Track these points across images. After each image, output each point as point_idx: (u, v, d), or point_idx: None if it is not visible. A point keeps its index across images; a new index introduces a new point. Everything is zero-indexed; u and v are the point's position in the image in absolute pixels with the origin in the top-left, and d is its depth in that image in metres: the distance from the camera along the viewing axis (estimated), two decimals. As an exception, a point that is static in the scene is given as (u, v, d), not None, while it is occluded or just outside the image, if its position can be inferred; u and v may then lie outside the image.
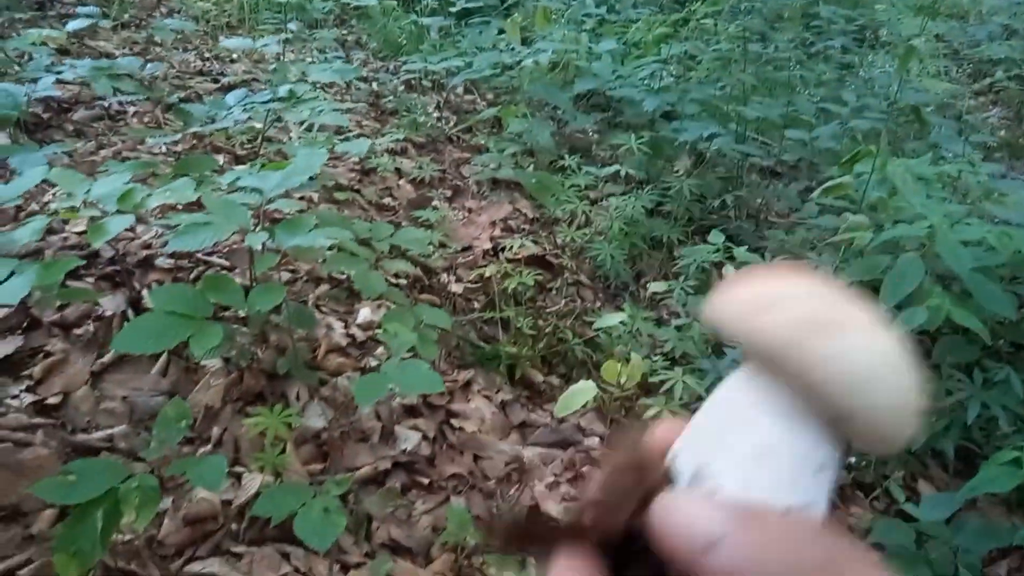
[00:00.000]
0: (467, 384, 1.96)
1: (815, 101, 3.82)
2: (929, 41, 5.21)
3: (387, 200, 2.80)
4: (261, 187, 1.37)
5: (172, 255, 2.03)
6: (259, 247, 1.25)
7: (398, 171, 2.97)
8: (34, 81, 2.22)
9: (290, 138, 2.85)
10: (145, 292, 1.91)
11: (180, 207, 1.61)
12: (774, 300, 0.32)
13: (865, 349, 0.31)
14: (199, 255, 2.08)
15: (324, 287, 2.11)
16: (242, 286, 1.81)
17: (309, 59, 3.81)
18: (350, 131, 2.83)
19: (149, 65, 2.36)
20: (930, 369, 2.07)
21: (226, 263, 2.06)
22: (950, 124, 3.69)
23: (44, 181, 1.38)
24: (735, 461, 0.33)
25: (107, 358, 1.68)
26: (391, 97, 3.71)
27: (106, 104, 2.83)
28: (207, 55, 3.76)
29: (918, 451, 1.93)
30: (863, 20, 5.69)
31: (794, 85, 3.98)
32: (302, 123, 2.96)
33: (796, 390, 0.32)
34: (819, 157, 3.50)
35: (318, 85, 2.06)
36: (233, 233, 1.24)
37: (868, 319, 0.32)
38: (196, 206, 1.46)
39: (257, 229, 1.26)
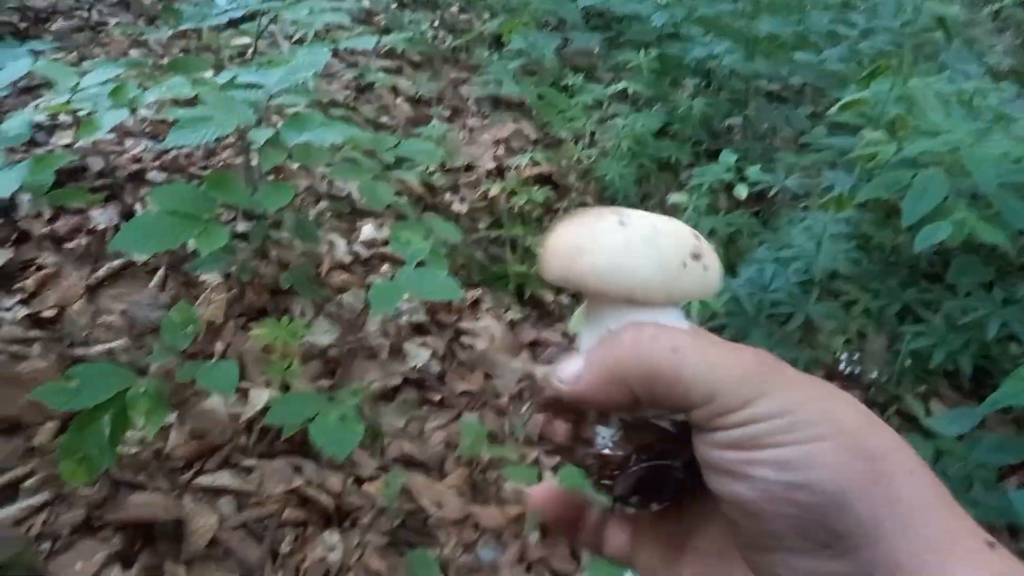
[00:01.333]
0: (475, 303, 1.90)
1: (825, 22, 3.69)
2: (938, -36, 5.04)
3: (384, 119, 2.69)
4: (262, 83, 1.28)
5: (164, 168, 1.94)
6: (263, 144, 1.16)
7: (395, 89, 2.86)
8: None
9: (281, 53, 2.72)
10: (138, 206, 1.82)
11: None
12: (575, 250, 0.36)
13: (610, 248, 0.35)
14: (192, 170, 1.99)
15: (324, 204, 2.03)
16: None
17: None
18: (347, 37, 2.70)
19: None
20: (945, 290, 2.04)
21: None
22: (960, 47, 3.59)
23: (30, 79, 1.28)
24: None
25: (102, 272, 1.61)
26: (383, 15, 3.55)
27: (86, 15, 2.68)
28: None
29: (933, 369, 1.90)
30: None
31: (804, 4, 3.84)
32: (291, 37, 2.83)
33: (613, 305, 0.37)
34: (825, 81, 3.40)
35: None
36: (235, 130, 1.16)
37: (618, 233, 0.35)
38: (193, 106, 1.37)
39: (261, 125, 1.18)
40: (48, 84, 1.83)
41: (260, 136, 1.15)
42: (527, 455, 1.51)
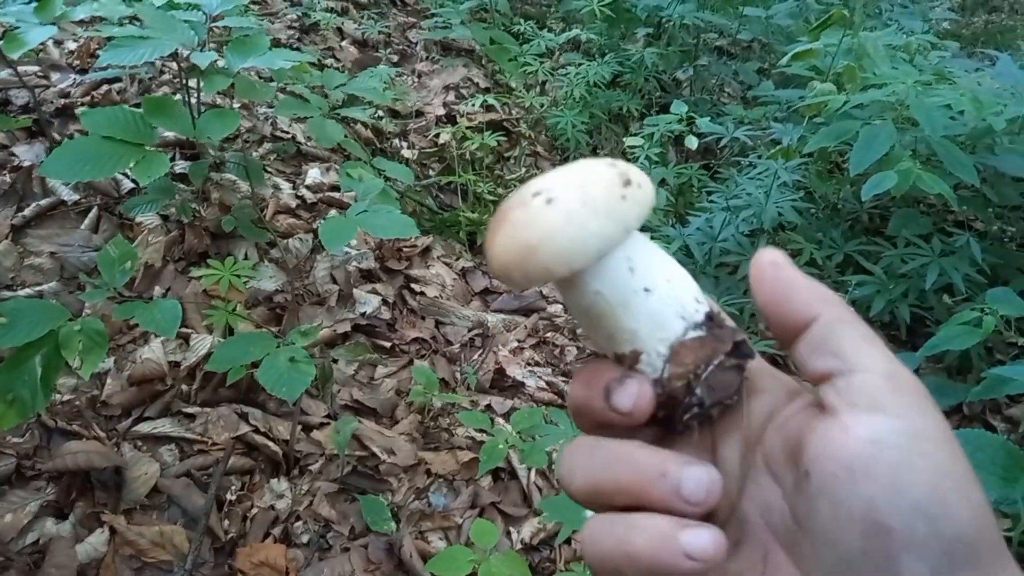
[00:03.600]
0: (426, 250, 1.86)
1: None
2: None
3: (330, 61, 2.59)
4: (202, 2, 1.20)
5: (95, 104, 1.82)
6: (204, 69, 1.09)
7: (340, 31, 2.75)
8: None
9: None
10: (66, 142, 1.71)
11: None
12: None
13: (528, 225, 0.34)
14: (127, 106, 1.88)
15: (268, 146, 1.95)
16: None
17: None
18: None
19: None
20: (886, 240, 2.08)
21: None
22: (907, 4, 3.64)
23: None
24: None
25: (28, 211, 1.51)
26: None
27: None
28: None
29: (872, 318, 1.95)
30: None
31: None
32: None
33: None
34: (774, 38, 3.41)
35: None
36: (175, 50, 1.08)
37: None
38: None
39: (204, 49, 1.10)
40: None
41: (203, 59, 1.07)
42: (479, 401, 1.50)
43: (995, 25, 5.25)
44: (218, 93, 1.54)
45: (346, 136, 1.80)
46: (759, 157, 2.28)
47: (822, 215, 2.29)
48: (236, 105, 1.93)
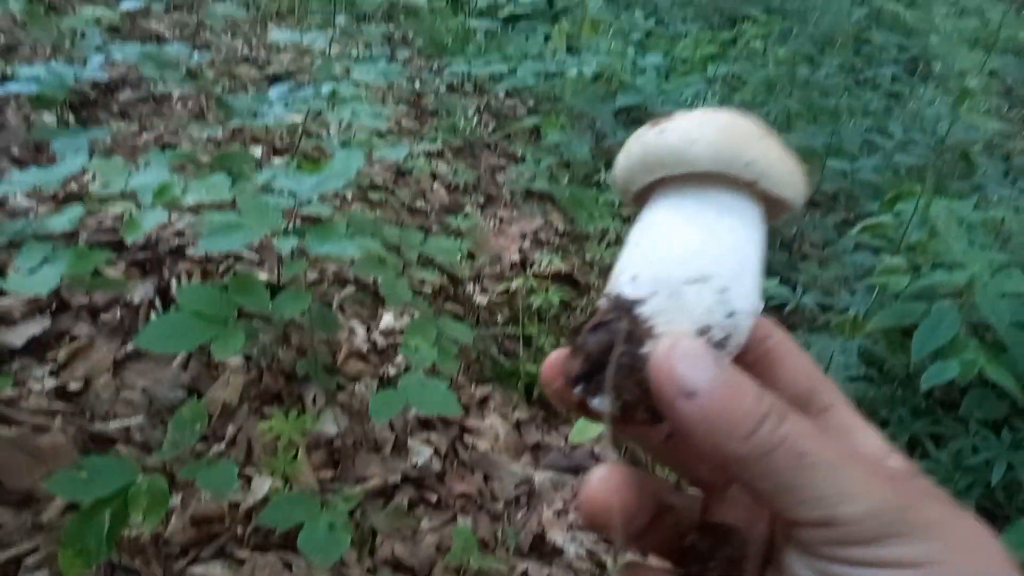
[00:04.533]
0: (484, 400, 1.94)
1: (860, 131, 3.75)
2: (982, 76, 5.09)
3: (420, 203, 2.80)
4: (296, 189, 1.37)
5: (202, 246, 2.04)
6: (288, 252, 1.24)
7: (433, 174, 2.97)
8: (83, 62, 2.25)
9: (328, 133, 2.86)
10: (174, 282, 1.92)
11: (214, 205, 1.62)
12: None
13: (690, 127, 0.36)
14: (217, 285, 2.09)
15: (350, 289, 2.11)
16: (268, 284, 1.82)
17: (355, 51, 3.82)
18: (390, 131, 2.84)
19: (196, 54, 2.38)
20: (956, 422, 2.02)
21: (255, 257, 2.06)
22: (997, 164, 3.60)
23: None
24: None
25: (131, 347, 1.70)
26: (433, 97, 3.71)
27: (152, 87, 2.86)
28: (254, 42, 3.79)
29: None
30: (916, 49, 5.58)
31: (839, 113, 3.91)
32: (341, 121, 2.97)
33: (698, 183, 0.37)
34: (860, 189, 3.43)
35: (360, 84, 2.06)
36: (264, 235, 1.24)
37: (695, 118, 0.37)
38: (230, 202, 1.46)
39: (288, 232, 1.26)
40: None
41: (286, 245, 1.23)
42: (516, 567, 1.53)
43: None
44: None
45: (417, 289, 1.94)
46: (828, 323, 2.28)
47: (890, 388, 2.24)
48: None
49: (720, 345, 0.34)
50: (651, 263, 0.36)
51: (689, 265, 0.35)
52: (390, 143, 3.08)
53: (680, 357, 0.32)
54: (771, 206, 0.39)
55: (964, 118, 3.88)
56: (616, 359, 0.34)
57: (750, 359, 0.36)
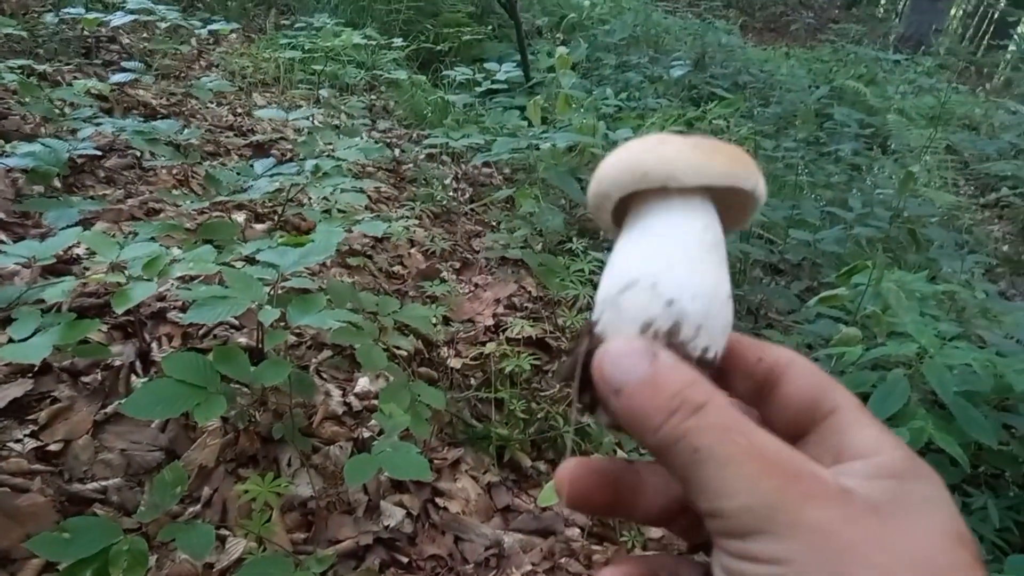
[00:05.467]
0: (456, 462, 1.99)
1: (821, 204, 3.93)
2: (938, 152, 5.35)
3: (397, 268, 2.88)
4: (278, 263, 1.45)
5: (185, 309, 2.10)
6: (269, 324, 1.31)
7: (411, 240, 3.07)
8: (74, 132, 2.34)
9: (311, 201, 2.96)
10: (155, 345, 1.97)
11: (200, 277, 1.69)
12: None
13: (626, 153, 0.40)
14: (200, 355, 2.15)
15: (327, 353, 2.17)
16: (248, 348, 1.88)
17: (337, 122, 3.96)
18: (370, 200, 2.94)
19: (186, 131, 2.48)
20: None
21: (236, 322, 2.13)
22: (952, 238, 3.78)
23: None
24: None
25: (110, 409, 1.74)
26: (412, 165, 3.84)
27: (138, 154, 2.95)
28: (239, 111, 3.91)
29: None
30: (876, 125, 5.87)
31: (802, 186, 4.09)
32: (323, 196, 3.08)
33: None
34: (823, 259, 3.58)
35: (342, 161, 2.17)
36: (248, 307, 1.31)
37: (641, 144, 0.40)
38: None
39: (270, 304, 1.33)
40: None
41: (268, 317, 1.30)
42: (483, 628, 1.57)
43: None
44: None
45: (392, 354, 2.01)
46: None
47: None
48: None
49: (673, 333, 0.37)
50: (601, 290, 0.41)
51: (620, 278, 0.40)
52: (371, 214, 3.19)
53: (608, 359, 0.36)
54: (720, 201, 0.42)
55: (920, 191, 4.08)
56: (578, 371, 0.39)
57: (751, 385, 0.39)
